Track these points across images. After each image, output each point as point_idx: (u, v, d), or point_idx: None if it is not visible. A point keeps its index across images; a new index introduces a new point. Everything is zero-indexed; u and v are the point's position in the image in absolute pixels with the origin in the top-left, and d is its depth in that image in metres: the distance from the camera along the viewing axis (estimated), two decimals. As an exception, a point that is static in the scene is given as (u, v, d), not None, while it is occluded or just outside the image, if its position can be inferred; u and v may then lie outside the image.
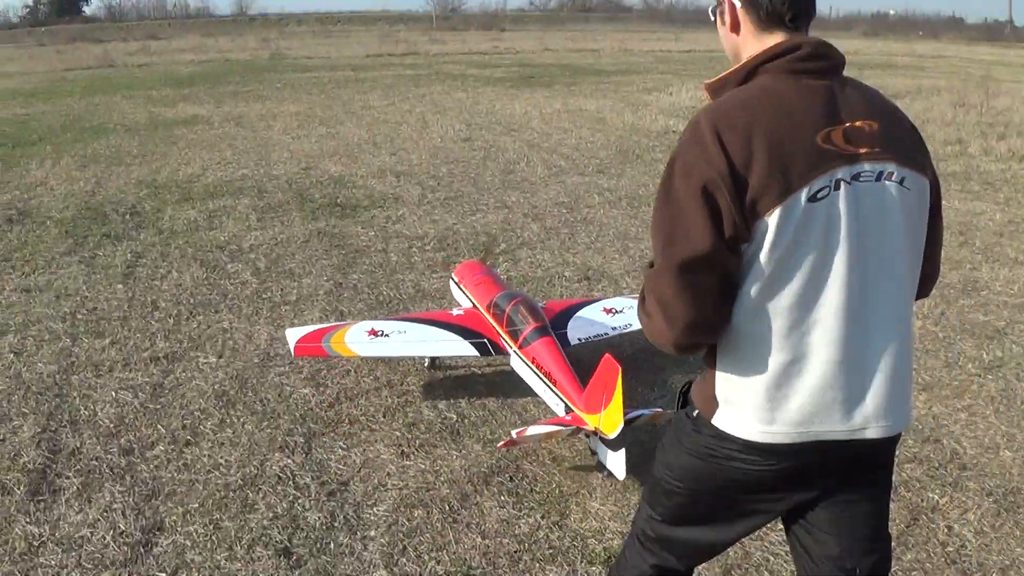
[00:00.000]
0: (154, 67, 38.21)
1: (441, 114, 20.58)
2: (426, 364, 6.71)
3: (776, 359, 2.52)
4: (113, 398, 6.22)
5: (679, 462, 2.84)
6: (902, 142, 2.55)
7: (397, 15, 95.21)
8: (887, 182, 2.48)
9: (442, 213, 11.34)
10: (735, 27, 2.64)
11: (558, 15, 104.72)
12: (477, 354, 6.18)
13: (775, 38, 2.55)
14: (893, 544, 3.15)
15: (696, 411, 2.75)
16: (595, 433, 4.92)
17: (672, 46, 51.85)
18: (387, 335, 6.23)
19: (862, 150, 2.44)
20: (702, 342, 2.63)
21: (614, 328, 6.48)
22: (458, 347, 6.21)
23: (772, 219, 2.37)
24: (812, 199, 2.38)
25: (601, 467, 4.99)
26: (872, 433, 2.56)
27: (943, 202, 2.81)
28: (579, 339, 6.33)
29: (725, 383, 2.63)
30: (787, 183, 2.36)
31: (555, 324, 6.28)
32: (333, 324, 6.69)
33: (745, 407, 2.58)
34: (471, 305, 6.72)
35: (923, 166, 2.59)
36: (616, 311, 6.70)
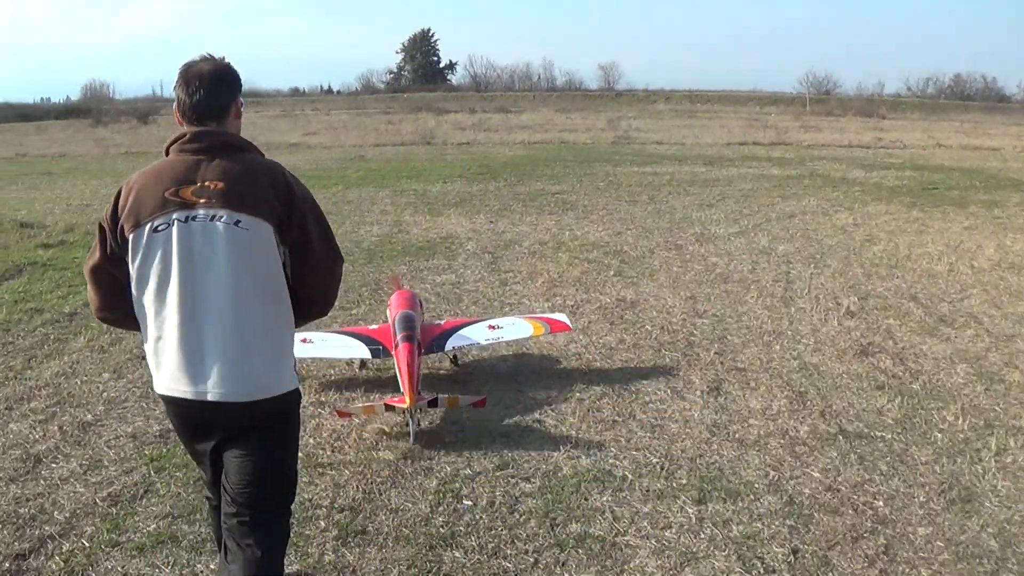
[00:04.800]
0: (475, 147, 32.95)
1: (815, 263, 12.53)
2: (356, 365, 8.07)
3: (152, 336, 3.64)
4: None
5: None
6: (244, 196, 3.56)
7: (768, 96, 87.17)
8: (217, 223, 3.52)
9: None
10: (180, 122, 3.77)
11: (937, 102, 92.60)
12: (370, 356, 7.50)
13: (188, 128, 3.71)
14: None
15: None
16: (406, 410, 6.29)
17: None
18: (313, 343, 7.60)
19: (201, 200, 3.54)
20: (116, 319, 3.90)
21: (487, 340, 7.72)
22: (359, 351, 7.55)
23: (131, 240, 3.56)
24: (155, 230, 3.53)
25: (408, 434, 6.43)
26: (212, 397, 3.57)
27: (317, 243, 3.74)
28: (453, 347, 7.68)
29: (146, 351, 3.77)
30: (139, 219, 3.55)
31: (442, 336, 7.69)
32: None
33: (151, 369, 3.72)
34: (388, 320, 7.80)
35: (267, 214, 3.58)
36: (498, 327, 7.89)
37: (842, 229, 15.54)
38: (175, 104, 3.78)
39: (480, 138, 37.09)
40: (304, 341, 7.53)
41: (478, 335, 7.71)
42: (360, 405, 6.73)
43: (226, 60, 3.81)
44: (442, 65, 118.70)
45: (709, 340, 8.77)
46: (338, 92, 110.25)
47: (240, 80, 3.85)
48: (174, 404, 3.68)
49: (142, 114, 57.65)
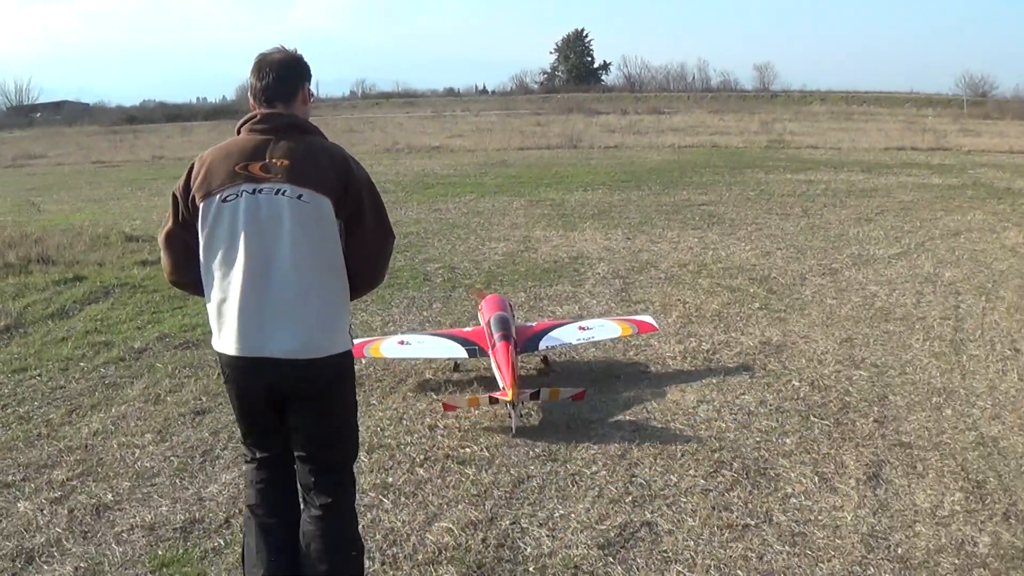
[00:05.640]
0: (622, 151, 31.80)
1: (987, 295, 10.85)
2: (453, 367, 8.28)
3: (217, 298, 3.89)
4: None
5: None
6: (307, 174, 3.84)
7: (925, 98, 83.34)
8: (282, 196, 3.80)
9: None
10: (253, 105, 4.08)
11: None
12: (466, 356, 7.80)
13: (258, 110, 4.02)
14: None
15: None
16: (509, 402, 6.66)
17: None
18: (410, 344, 7.98)
19: (268, 176, 3.82)
20: (185, 283, 4.16)
21: (578, 340, 8.12)
22: (455, 352, 7.84)
23: (201, 209, 3.84)
24: (224, 200, 3.81)
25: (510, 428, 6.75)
26: (275, 354, 3.82)
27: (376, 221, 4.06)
28: (547, 346, 8.02)
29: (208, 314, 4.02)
30: (209, 190, 3.84)
31: (535, 336, 8.07)
32: (374, 338, 8.31)
33: (213, 329, 3.98)
34: (482, 323, 8.14)
35: (327, 190, 3.85)
36: (588, 328, 8.32)
37: (1012, 250, 13.79)
38: (249, 90, 4.11)
39: (628, 141, 35.87)
40: (401, 343, 8.00)
41: (569, 336, 8.16)
42: (466, 397, 7.05)
43: (297, 52, 4.12)
44: (596, 66, 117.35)
45: (867, 402, 7.38)
46: (492, 92, 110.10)
47: (309, 69, 4.16)
48: (234, 363, 3.92)
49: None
